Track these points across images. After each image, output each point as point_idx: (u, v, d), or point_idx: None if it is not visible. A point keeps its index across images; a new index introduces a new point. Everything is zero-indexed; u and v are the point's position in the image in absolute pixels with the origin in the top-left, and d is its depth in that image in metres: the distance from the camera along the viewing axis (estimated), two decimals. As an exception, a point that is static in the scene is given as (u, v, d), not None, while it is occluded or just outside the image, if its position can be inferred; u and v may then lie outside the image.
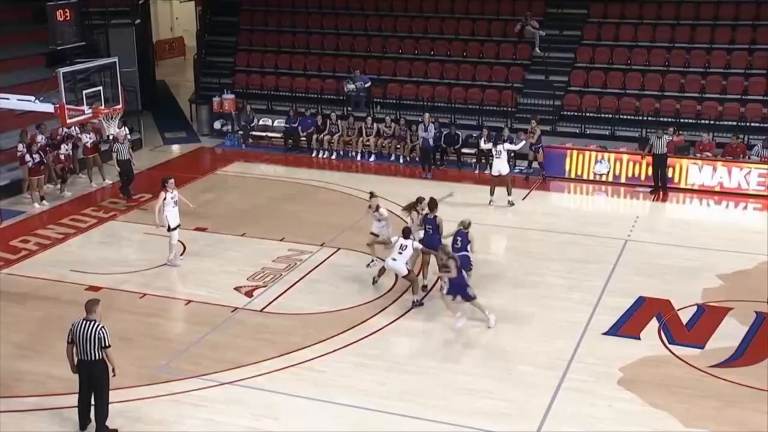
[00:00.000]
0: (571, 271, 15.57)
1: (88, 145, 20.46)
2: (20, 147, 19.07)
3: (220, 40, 27.78)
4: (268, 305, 14.17)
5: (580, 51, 23.98)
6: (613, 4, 24.59)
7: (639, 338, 13.04)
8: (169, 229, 15.62)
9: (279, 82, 25.67)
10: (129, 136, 20.84)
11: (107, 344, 10.13)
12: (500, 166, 19.03)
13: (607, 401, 11.33)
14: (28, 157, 18.88)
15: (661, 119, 21.75)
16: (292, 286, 14.89)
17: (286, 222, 18.11)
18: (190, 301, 14.26)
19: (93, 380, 10.29)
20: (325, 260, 16.04)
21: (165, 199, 15.50)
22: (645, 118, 22.02)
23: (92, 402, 10.39)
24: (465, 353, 12.60)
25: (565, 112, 23.08)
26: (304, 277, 15.25)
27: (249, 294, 14.51)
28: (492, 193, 19.22)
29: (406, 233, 14.19)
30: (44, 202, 19.19)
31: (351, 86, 24.35)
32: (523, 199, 19.90)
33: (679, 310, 13.91)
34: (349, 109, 24.31)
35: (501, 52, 24.58)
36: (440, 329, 13.36)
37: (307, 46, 26.50)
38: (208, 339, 12.99)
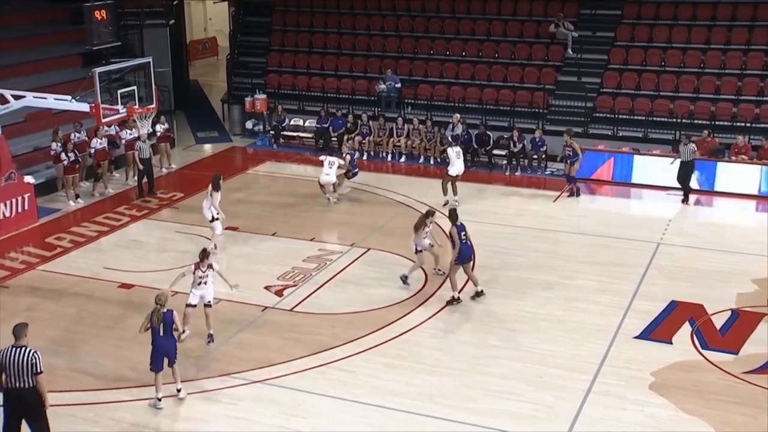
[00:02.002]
0: (601, 273, 15.45)
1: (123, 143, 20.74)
2: (54, 146, 19.33)
3: (253, 41, 27.95)
4: (297, 305, 14.23)
5: (614, 52, 23.78)
6: (647, 5, 24.34)
7: (671, 343, 12.89)
8: (213, 220, 16.13)
9: (310, 82, 25.77)
10: (162, 130, 21.11)
11: (40, 370, 9.54)
12: (461, 166, 19.16)
13: (638, 406, 11.21)
14: (63, 156, 19.14)
15: (696, 121, 21.50)
16: (322, 285, 14.94)
17: (316, 222, 18.18)
18: (220, 300, 14.34)
19: (27, 408, 9.71)
20: (354, 260, 16.08)
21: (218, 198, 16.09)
22: (679, 120, 21.78)
23: None
24: (494, 355, 12.55)
25: (598, 114, 22.90)
26: (333, 277, 15.30)
27: (279, 293, 14.59)
28: (446, 192, 19.14)
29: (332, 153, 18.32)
30: (79, 200, 19.43)
31: (382, 86, 24.38)
32: (554, 201, 19.78)
33: (712, 314, 13.73)
34: (379, 109, 24.34)
35: (533, 53, 24.46)
36: (469, 331, 13.33)
37: (339, 47, 26.58)
38: (238, 338, 13.09)
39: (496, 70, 24.43)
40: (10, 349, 9.53)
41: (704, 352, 12.59)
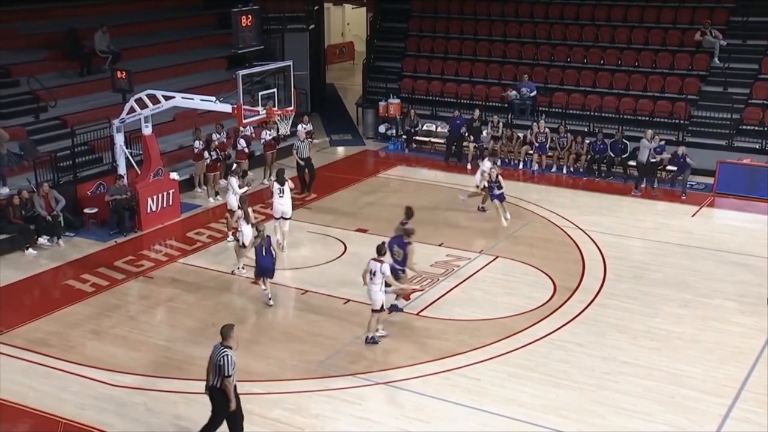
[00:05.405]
0: (743, 294, 14.71)
1: (261, 142, 21.46)
2: (196, 144, 20.22)
3: (389, 46, 28.28)
4: (424, 309, 14.28)
5: (766, 61, 22.57)
6: (809, 9, 22.98)
7: (819, 372, 12.12)
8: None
9: (444, 88, 25.81)
10: (313, 136, 21.63)
11: (227, 374, 9.69)
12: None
13: (779, 436, 10.62)
14: (206, 154, 20.01)
15: None
16: (449, 291, 14.94)
17: (445, 227, 18.16)
18: (348, 301, 14.60)
19: (212, 406, 10.05)
20: (482, 268, 15.98)
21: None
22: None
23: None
24: (624, 371, 12.18)
25: (744, 126, 21.82)
26: (461, 283, 15.26)
27: (406, 297, 14.68)
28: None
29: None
30: (218, 197, 20.21)
31: (512, 93, 24.14)
32: (693, 216, 19.00)
33: None
34: (513, 116, 24.10)
35: (676, 62, 23.58)
36: (598, 345, 12.98)
37: (474, 53, 26.50)
38: (365, 339, 13.24)
39: (635, 79, 23.71)
40: (216, 346, 9.94)
41: None
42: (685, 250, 16.89)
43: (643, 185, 20.60)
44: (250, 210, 15.74)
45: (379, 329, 13.15)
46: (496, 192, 17.75)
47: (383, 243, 13.23)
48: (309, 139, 20.85)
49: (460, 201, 19.22)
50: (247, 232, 15.20)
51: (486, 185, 18.09)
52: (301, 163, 20.33)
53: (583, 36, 25.27)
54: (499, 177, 17.83)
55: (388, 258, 13.33)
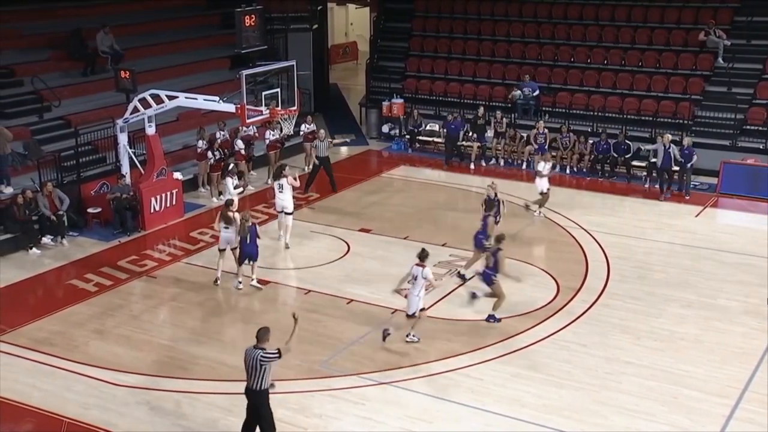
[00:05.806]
0: (746, 294, 14.69)
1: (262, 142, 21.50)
2: (200, 143, 20.23)
3: (393, 46, 28.27)
4: (427, 309, 14.23)
5: (769, 61, 22.58)
6: (812, 10, 22.94)
7: (823, 373, 12.10)
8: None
9: (448, 88, 25.81)
10: (307, 130, 21.74)
11: (280, 357, 9.77)
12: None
13: (782, 437, 10.61)
14: (210, 154, 20.03)
15: None
16: (452, 291, 14.93)
17: (448, 228, 18.17)
18: (351, 300, 14.62)
19: (256, 411, 9.95)
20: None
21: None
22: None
23: None
24: (627, 372, 12.18)
25: (748, 127, 21.79)
26: (464, 283, 15.26)
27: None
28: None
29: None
30: (221, 197, 20.18)
31: (517, 93, 24.12)
32: (696, 216, 18.97)
33: None
34: (516, 116, 24.10)
35: (680, 62, 23.54)
36: (601, 345, 12.98)
37: (478, 53, 26.48)
38: (368, 338, 13.26)
39: (639, 79, 23.69)
40: (250, 348, 9.93)
41: None
42: (689, 250, 16.87)
43: (657, 186, 20.60)
44: (237, 215, 15.34)
45: (410, 334, 13.08)
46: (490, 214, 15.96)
47: (424, 249, 13.07)
48: (329, 139, 21.04)
49: (535, 216, 18.65)
50: (225, 237, 15.19)
51: (484, 202, 16.45)
52: (317, 162, 20.39)
53: (587, 36, 25.25)
54: (498, 198, 16.42)
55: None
